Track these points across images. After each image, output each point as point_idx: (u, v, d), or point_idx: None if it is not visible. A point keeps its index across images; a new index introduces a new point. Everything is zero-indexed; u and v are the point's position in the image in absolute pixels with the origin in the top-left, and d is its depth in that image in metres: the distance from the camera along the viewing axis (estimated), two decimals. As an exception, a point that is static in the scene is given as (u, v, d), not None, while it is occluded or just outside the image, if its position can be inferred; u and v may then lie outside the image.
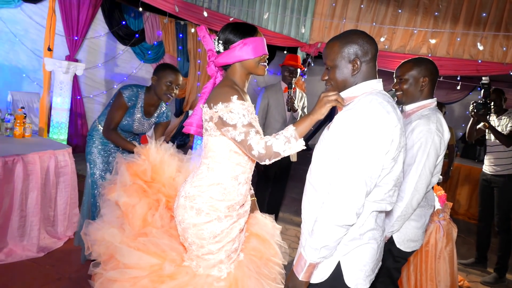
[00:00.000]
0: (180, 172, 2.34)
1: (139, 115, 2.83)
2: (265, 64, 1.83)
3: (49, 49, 4.69)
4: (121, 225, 2.08)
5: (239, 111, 1.65)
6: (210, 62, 1.87)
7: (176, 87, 2.76)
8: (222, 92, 1.71)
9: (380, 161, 1.40)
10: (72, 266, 2.92)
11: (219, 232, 1.79)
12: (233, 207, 1.82)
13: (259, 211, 2.20)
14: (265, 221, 2.15)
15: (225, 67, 1.85)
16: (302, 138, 1.65)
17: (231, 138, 1.68)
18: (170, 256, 1.88)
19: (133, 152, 2.53)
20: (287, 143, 1.61)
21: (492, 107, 3.80)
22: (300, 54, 5.69)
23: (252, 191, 2.21)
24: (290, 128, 1.63)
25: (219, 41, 1.81)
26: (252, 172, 1.92)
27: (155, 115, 2.95)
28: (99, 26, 6.33)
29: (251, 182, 1.96)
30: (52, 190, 3.21)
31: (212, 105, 1.70)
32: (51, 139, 4.64)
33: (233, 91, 1.70)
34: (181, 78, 2.78)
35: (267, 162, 1.65)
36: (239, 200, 1.84)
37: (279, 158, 1.65)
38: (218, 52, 1.82)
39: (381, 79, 1.58)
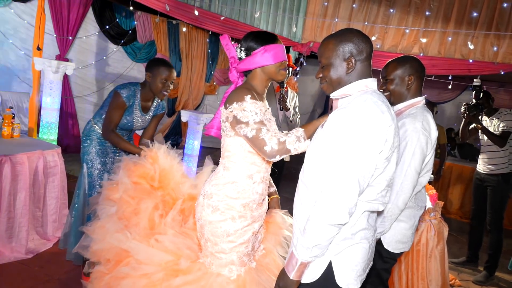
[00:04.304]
0: (187, 178, 2.40)
1: (137, 112, 2.81)
2: (285, 70, 1.92)
3: (39, 49, 4.62)
4: (125, 227, 2.09)
5: (252, 109, 1.74)
6: (232, 68, 1.96)
7: (171, 82, 2.76)
8: (237, 93, 1.81)
9: (373, 160, 1.40)
10: (61, 268, 2.89)
11: (233, 232, 1.84)
12: (248, 206, 1.87)
13: (279, 212, 2.21)
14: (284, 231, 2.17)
15: (246, 73, 1.94)
16: (309, 139, 1.75)
17: (243, 136, 1.75)
18: (185, 253, 1.94)
19: (133, 154, 2.57)
20: (297, 142, 1.72)
21: (483, 108, 3.86)
22: (293, 54, 5.67)
23: (275, 188, 2.26)
24: (300, 129, 1.77)
25: (241, 48, 1.90)
26: (269, 172, 1.96)
27: (152, 109, 2.94)
28: (90, 25, 6.26)
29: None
30: (41, 190, 3.17)
31: (228, 105, 1.80)
32: (40, 139, 4.58)
33: (247, 91, 1.79)
34: (174, 72, 2.79)
35: (276, 159, 1.73)
36: (255, 199, 1.89)
37: (287, 155, 1.74)
38: (240, 58, 1.91)
39: (375, 79, 1.57)
